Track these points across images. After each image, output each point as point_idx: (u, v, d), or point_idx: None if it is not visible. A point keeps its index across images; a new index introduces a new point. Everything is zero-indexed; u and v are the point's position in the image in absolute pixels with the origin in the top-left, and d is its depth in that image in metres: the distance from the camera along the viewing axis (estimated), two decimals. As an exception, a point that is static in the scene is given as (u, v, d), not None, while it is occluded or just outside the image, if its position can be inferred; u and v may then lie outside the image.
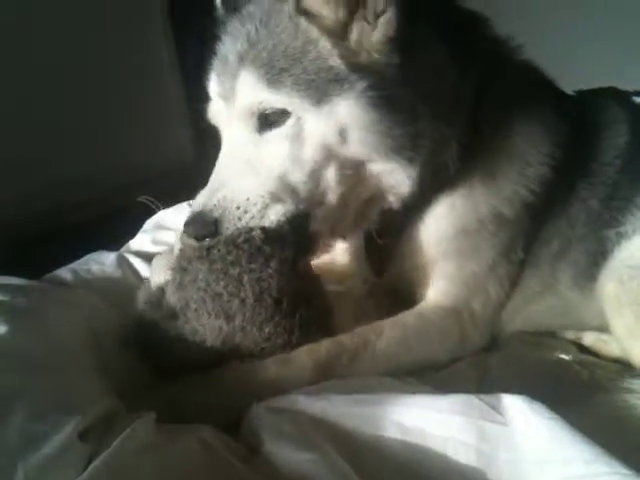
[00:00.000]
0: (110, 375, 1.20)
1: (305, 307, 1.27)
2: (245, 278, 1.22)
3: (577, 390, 1.27)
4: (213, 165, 1.39)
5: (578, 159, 1.49)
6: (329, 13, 1.26)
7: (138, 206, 2.28)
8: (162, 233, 1.98)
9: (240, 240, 1.26)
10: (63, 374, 1.09)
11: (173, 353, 1.24)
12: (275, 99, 1.28)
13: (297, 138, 1.29)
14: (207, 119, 1.47)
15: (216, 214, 1.30)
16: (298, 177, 1.31)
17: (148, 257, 1.76)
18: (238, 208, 1.30)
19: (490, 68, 1.42)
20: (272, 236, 1.28)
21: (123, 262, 1.75)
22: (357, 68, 1.26)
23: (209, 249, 1.26)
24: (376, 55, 1.26)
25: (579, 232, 1.51)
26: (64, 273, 1.63)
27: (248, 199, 1.30)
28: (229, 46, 1.36)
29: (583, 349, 1.52)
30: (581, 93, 1.72)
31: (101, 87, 3.77)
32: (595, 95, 1.71)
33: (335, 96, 1.26)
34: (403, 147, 1.31)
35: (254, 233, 1.26)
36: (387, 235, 1.48)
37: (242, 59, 1.31)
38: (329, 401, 1.06)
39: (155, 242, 1.92)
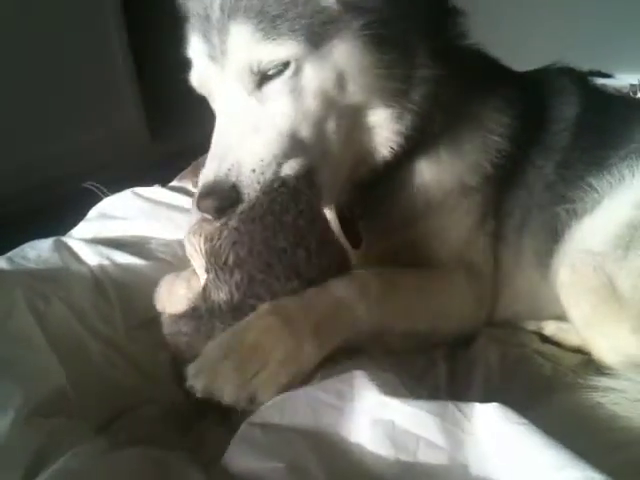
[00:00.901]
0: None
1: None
2: (301, 222, 1.15)
3: (542, 387, 1.24)
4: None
5: (532, 128, 1.50)
6: None
7: (85, 194, 2.20)
8: (107, 223, 1.86)
9: (276, 185, 1.18)
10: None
11: None
12: (274, 51, 1.20)
13: (297, 87, 1.23)
14: (192, 87, 1.36)
15: (233, 179, 1.20)
16: (304, 131, 1.25)
17: (90, 241, 1.68)
18: (254, 171, 1.20)
19: (456, 40, 1.43)
20: (300, 178, 1.22)
21: (61, 246, 1.63)
22: (351, 6, 1.21)
23: (252, 206, 1.15)
24: None
25: (537, 200, 1.49)
26: (0, 262, 1.52)
27: (262, 160, 1.21)
28: (207, 3, 1.25)
29: (545, 340, 1.49)
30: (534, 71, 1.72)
31: (47, 69, 3.65)
32: (546, 71, 1.70)
33: (332, 38, 1.21)
34: (400, 92, 1.29)
35: (285, 177, 1.21)
36: (359, 209, 1.45)
37: (230, 11, 1.21)
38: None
39: (98, 233, 1.80)
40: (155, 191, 1.98)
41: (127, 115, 4.36)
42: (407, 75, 1.29)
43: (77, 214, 1.97)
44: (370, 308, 1.19)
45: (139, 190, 1.97)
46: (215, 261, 1.13)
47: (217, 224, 1.16)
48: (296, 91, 1.22)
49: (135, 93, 4.38)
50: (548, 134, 1.51)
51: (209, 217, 1.20)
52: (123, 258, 1.60)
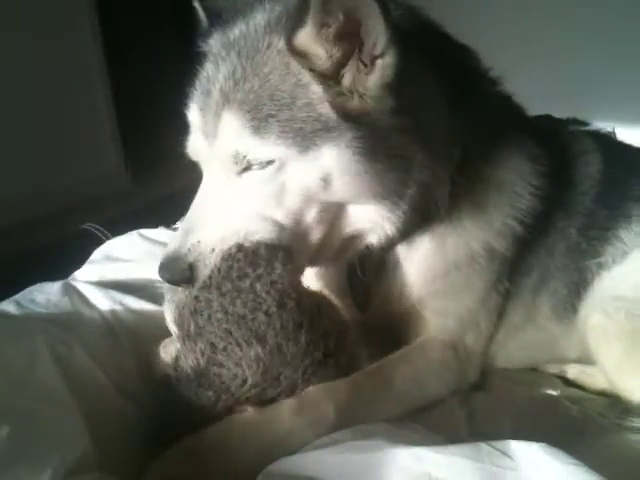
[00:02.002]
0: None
1: (325, 316, 1.21)
2: (258, 286, 1.15)
3: (573, 430, 1.25)
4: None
5: (556, 189, 1.48)
6: (322, 53, 1.16)
7: (81, 234, 2.19)
8: (111, 265, 1.85)
9: (234, 251, 1.19)
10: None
11: (214, 411, 1.13)
12: (260, 149, 1.19)
13: (277, 182, 1.22)
14: (186, 154, 1.37)
15: (190, 258, 1.23)
16: (278, 216, 1.24)
17: (99, 285, 1.64)
18: (213, 250, 1.22)
19: (476, 102, 1.39)
20: (261, 243, 1.23)
21: (70, 290, 1.60)
22: (348, 116, 1.18)
23: (210, 276, 1.18)
24: (371, 102, 1.18)
25: (558, 262, 1.50)
26: (6, 306, 1.48)
27: (223, 237, 1.23)
28: (212, 76, 1.26)
29: (568, 383, 1.50)
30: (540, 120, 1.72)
31: (28, 109, 3.65)
32: (559, 124, 1.71)
33: (323, 145, 1.18)
34: (391, 192, 1.26)
35: (242, 244, 1.21)
36: (370, 271, 1.43)
37: (227, 98, 1.21)
38: (324, 454, 0.98)
39: (102, 276, 1.77)
40: (161, 233, 1.97)
41: (108, 160, 4.36)
42: (401, 179, 1.26)
43: (73, 255, 1.94)
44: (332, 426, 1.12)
45: (145, 232, 1.96)
46: (181, 330, 1.19)
47: (183, 293, 1.21)
48: (275, 185, 1.22)
49: (116, 138, 4.40)
50: (573, 194, 1.53)
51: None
52: (135, 303, 1.57)
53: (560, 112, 1.78)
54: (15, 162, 3.57)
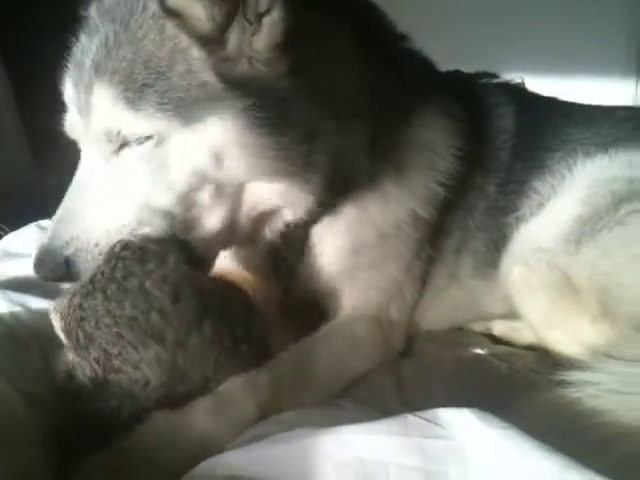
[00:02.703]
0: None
1: (230, 303, 1.14)
2: (148, 284, 1.06)
3: (505, 388, 1.23)
4: (60, 183, 1.22)
5: (474, 146, 1.45)
6: (202, 13, 1.06)
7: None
8: (9, 261, 1.73)
9: (117, 250, 1.10)
10: None
11: (121, 420, 1.04)
12: (136, 125, 1.10)
13: (160, 159, 1.12)
14: (64, 132, 1.26)
15: (67, 252, 1.15)
16: (166, 201, 1.15)
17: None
18: (96, 245, 1.14)
19: (389, 59, 1.33)
20: (148, 237, 1.14)
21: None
22: (237, 82, 1.09)
23: (92, 278, 1.09)
24: (261, 66, 1.10)
25: (478, 221, 1.49)
26: None
27: (108, 232, 1.14)
28: (85, 47, 1.16)
29: (495, 340, 1.50)
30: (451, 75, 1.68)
31: None
32: (469, 78, 1.68)
33: (208, 115, 1.09)
34: (297, 167, 1.18)
35: (126, 240, 1.13)
36: (294, 248, 1.37)
37: (98, 69, 1.11)
38: (246, 451, 0.91)
39: (1, 274, 1.65)
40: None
41: (9, 146, 4.18)
42: (307, 151, 1.17)
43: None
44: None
45: (44, 223, 1.84)
46: (70, 340, 1.10)
47: (66, 300, 1.10)
48: (157, 162, 1.13)
49: (17, 123, 4.21)
50: (490, 150, 1.50)
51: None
52: (36, 302, 1.47)
53: (468, 66, 1.74)
54: None
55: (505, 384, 1.26)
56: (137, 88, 1.08)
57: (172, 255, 1.11)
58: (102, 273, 1.08)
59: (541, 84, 1.73)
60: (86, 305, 1.07)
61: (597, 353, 1.14)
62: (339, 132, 1.20)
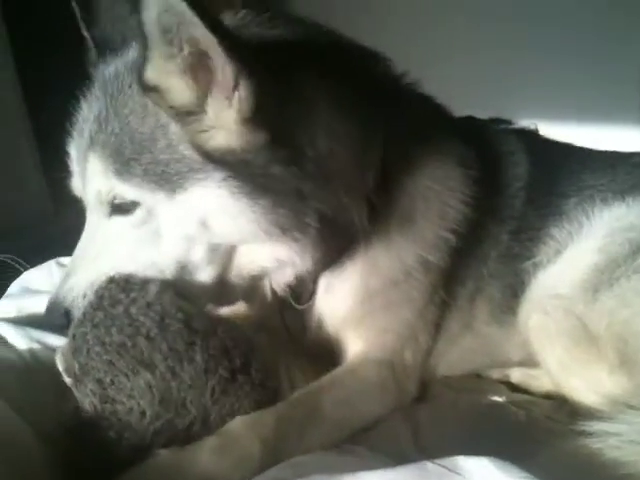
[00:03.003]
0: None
1: (224, 332, 1.15)
2: (133, 310, 1.10)
3: (524, 437, 1.22)
4: (74, 220, 1.32)
5: (487, 194, 1.45)
6: (180, 87, 1.10)
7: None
8: (29, 298, 1.72)
9: (104, 283, 1.18)
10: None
11: (121, 452, 1.05)
12: (124, 190, 1.18)
13: (151, 228, 1.20)
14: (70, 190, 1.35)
15: (66, 304, 1.24)
16: (157, 259, 1.22)
17: (16, 322, 1.54)
18: (85, 296, 1.21)
19: (392, 110, 1.34)
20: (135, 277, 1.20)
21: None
22: (214, 155, 1.12)
23: (83, 313, 1.15)
24: (235, 139, 1.12)
25: (492, 268, 1.48)
26: None
27: (93, 283, 1.21)
28: (86, 116, 1.24)
29: (513, 388, 1.49)
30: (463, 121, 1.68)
31: None
32: (482, 124, 1.69)
33: (192, 187, 1.14)
34: (287, 229, 1.19)
35: (112, 275, 1.20)
36: (304, 298, 1.38)
37: (92, 141, 1.20)
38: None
39: (20, 310, 1.66)
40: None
41: (28, 183, 4.25)
42: (294, 212, 1.18)
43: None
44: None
45: (63, 260, 1.86)
46: (69, 375, 1.14)
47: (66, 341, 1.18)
48: (148, 229, 1.20)
49: (37, 164, 4.30)
50: (503, 198, 1.50)
51: None
52: (54, 340, 1.45)
53: (482, 112, 1.75)
54: None
55: (523, 432, 1.25)
56: (124, 161, 1.15)
57: (155, 284, 1.15)
58: (90, 305, 1.14)
59: (555, 130, 1.74)
60: (77, 335, 1.12)
61: (616, 403, 1.14)
62: (329, 192, 1.22)
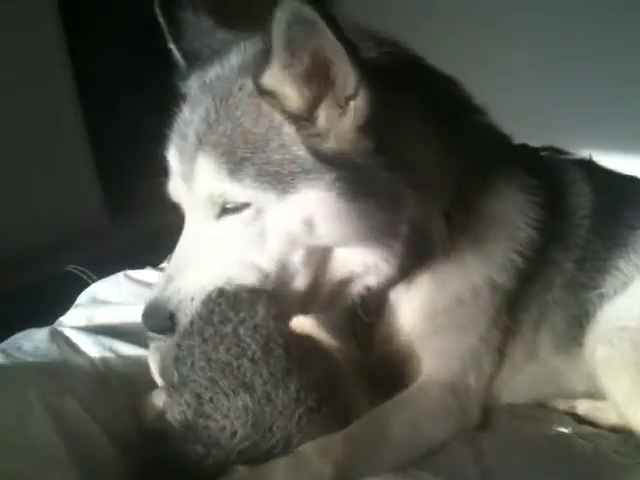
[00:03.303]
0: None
1: (316, 361, 1.18)
2: (241, 331, 1.13)
3: (591, 470, 1.22)
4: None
5: (551, 220, 1.46)
6: (293, 94, 1.15)
7: (64, 277, 2.12)
8: (98, 309, 1.78)
9: (215, 296, 1.18)
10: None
11: (204, 467, 1.08)
12: (237, 193, 1.19)
13: (257, 228, 1.21)
14: (168, 196, 1.36)
15: (171, 307, 1.22)
16: (261, 262, 1.23)
17: (87, 330, 1.59)
18: (192, 299, 1.22)
19: (466, 134, 1.37)
20: (242, 289, 1.20)
21: (58, 337, 1.55)
22: (325, 157, 1.16)
23: (191, 321, 1.16)
24: (347, 144, 1.16)
25: (557, 296, 1.48)
26: (-9, 354, 1.44)
27: (203, 287, 1.22)
28: (188, 119, 1.26)
29: (579, 419, 1.48)
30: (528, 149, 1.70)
31: (7, 148, 3.66)
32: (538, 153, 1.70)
33: (302, 187, 1.17)
34: (382, 234, 1.24)
35: (223, 288, 1.20)
36: (374, 312, 1.40)
37: (201, 141, 1.21)
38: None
39: (90, 320, 1.72)
40: (148, 273, 1.92)
41: (86, 198, 4.37)
42: (390, 219, 1.23)
43: (56, 299, 1.89)
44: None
45: (131, 273, 1.92)
46: (165, 380, 1.16)
47: (165, 343, 1.20)
48: (255, 230, 1.21)
49: (93, 176, 4.42)
50: (567, 226, 1.50)
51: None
52: (125, 348, 1.53)
53: (534, 140, 1.75)
54: None
55: (590, 465, 1.25)
56: (237, 161, 1.17)
57: (262, 305, 1.17)
58: (200, 316, 1.16)
59: (608, 161, 1.74)
60: (184, 345, 1.14)
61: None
62: (420, 204, 1.25)
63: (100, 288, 1.89)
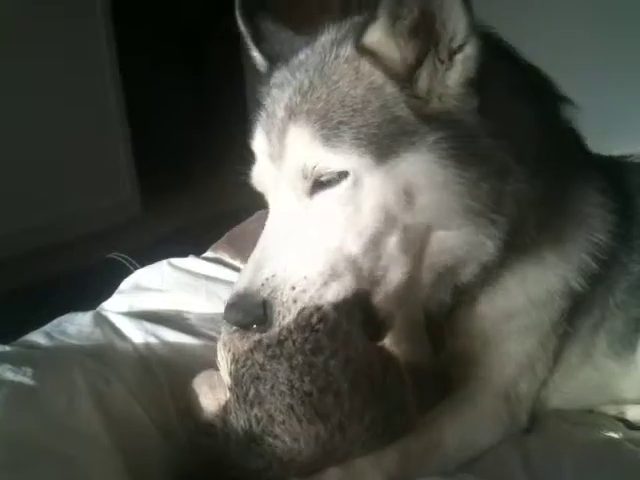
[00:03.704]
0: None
1: (395, 389, 1.14)
2: (332, 363, 1.06)
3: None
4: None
5: (620, 223, 1.42)
6: (395, 52, 1.12)
7: (105, 263, 2.15)
8: (140, 295, 1.80)
9: (314, 320, 1.09)
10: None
11: (260, 477, 1.06)
12: (332, 160, 1.12)
13: (353, 200, 1.13)
14: (251, 184, 1.32)
15: (264, 294, 1.13)
16: (357, 247, 1.14)
17: (130, 315, 1.61)
18: (293, 288, 1.12)
19: (557, 129, 1.34)
20: (342, 309, 1.12)
21: (102, 321, 1.57)
22: (428, 116, 1.11)
23: (281, 342, 1.08)
24: (452, 100, 1.12)
25: (619, 299, 1.44)
26: (36, 337, 1.45)
27: (306, 277, 1.13)
28: (277, 98, 1.22)
29: (629, 425, 1.44)
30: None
31: (54, 143, 3.76)
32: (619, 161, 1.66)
33: (403, 151, 1.11)
34: (486, 207, 1.16)
35: (325, 309, 1.11)
36: (448, 312, 1.34)
37: (293, 112, 1.16)
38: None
39: (132, 306, 1.73)
40: (191, 262, 1.93)
41: (120, 187, 4.46)
42: (496, 190, 1.16)
43: (98, 285, 1.91)
44: None
45: (175, 261, 1.92)
46: (237, 388, 1.10)
47: (246, 346, 1.12)
48: (351, 205, 1.13)
49: (130, 168, 4.52)
50: (634, 227, 1.46)
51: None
52: (168, 334, 1.54)
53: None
54: (33, 191, 3.65)
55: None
56: (333, 126, 1.12)
57: (355, 335, 1.11)
58: (293, 342, 1.08)
59: None
60: (268, 367, 1.07)
61: None
62: (528, 180, 1.19)
63: (143, 275, 1.90)
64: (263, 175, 1.27)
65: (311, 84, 1.16)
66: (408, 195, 1.13)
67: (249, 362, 1.09)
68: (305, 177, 1.15)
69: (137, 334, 1.52)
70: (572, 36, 3.77)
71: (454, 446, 1.24)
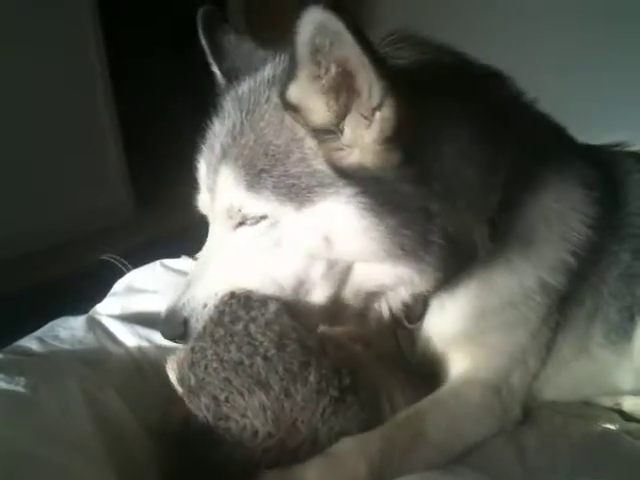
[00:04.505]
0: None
1: (333, 352, 1.18)
2: (253, 328, 1.14)
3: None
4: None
5: (607, 212, 1.42)
6: (319, 107, 1.12)
7: (98, 265, 2.15)
8: (134, 297, 1.80)
9: (225, 299, 1.21)
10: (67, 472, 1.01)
11: (232, 470, 1.08)
12: (254, 205, 1.20)
13: (273, 239, 1.21)
14: (197, 209, 1.40)
15: (185, 313, 1.27)
16: (277, 274, 1.24)
17: (123, 319, 1.62)
18: (205, 306, 1.25)
19: (515, 131, 1.32)
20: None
21: (94, 325, 1.58)
22: (346, 171, 1.14)
23: (204, 328, 1.19)
24: (371, 156, 1.13)
25: (612, 288, 1.45)
26: (29, 342, 1.46)
27: (216, 294, 1.25)
28: (217, 132, 1.29)
29: (625, 416, 1.44)
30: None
31: (43, 146, 3.76)
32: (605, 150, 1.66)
33: (320, 201, 1.16)
34: (410, 249, 1.18)
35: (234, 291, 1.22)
36: (415, 317, 1.39)
37: (224, 153, 1.24)
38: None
39: (124, 308, 1.73)
40: (184, 263, 1.93)
41: (114, 191, 4.47)
42: (419, 233, 1.17)
43: (91, 287, 1.91)
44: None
45: (167, 262, 1.93)
46: (183, 387, 1.16)
47: (181, 351, 1.21)
48: (271, 242, 1.21)
49: (123, 171, 4.54)
50: (625, 216, 1.47)
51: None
52: (160, 338, 1.48)
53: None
54: (25, 194, 3.65)
55: (638, 462, 1.23)
56: (256, 173, 1.18)
57: (273, 304, 1.18)
58: (211, 319, 1.18)
59: None
60: (197, 348, 1.16)
61: None
62: (455, 212, 1.21)
63: (136, 276, 1.91)
64: (203, 202, 1.35)
65: (242, 127, 1.22)
66: (327, 240, 1.18)
67: (184, 356, 1.18)
68: (230, 217, 1.24)
69: (130, 338, 1.53)
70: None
71: (438, 436, 1.24)
